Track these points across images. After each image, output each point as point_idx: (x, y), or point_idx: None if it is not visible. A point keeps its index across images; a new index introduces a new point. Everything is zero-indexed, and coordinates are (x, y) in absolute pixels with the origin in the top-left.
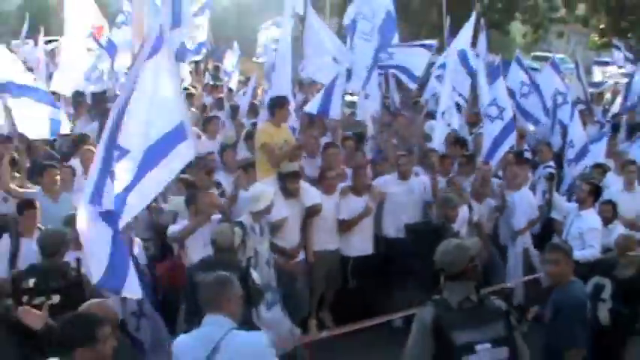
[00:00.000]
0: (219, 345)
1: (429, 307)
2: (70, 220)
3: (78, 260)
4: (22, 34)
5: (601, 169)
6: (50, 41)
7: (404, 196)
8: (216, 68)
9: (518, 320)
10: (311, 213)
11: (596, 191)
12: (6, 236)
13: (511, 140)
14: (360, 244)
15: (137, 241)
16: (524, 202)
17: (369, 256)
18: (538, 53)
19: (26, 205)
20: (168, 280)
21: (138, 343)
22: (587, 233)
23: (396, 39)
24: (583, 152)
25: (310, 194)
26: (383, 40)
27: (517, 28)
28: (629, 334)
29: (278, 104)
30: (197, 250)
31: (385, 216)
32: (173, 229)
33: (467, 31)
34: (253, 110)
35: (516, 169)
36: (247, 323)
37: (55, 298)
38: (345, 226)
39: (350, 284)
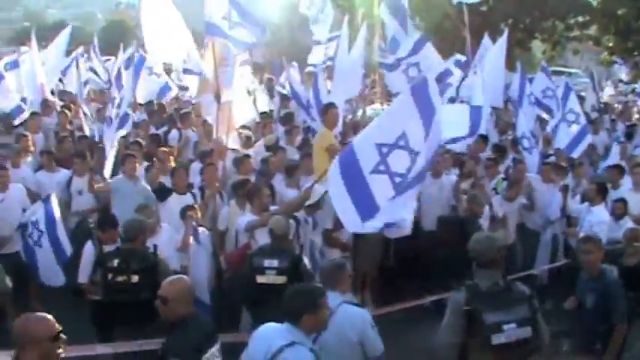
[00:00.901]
0: (333, 312)
1: (462, 290)
2: (142, 208)
3: (155, 246)
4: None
5: (617, 169)
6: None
7: (436, 192)
8: (270, 80)
9: (542, 301)
10: None
11: (603, 189)
12: (89, 244)
13: (587, 139)
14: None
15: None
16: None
17: (408, 243)
18: (555, 68)
19: (107, 223)
20: (237, 266)
21: None
22: (596, 225)
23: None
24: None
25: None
26: None
27: (537, 46)
28: (634, 317)
29: (324, 111)
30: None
31: (421, 210)
32: (243, 220)
33: (499, 47)
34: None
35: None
36: None
37: (134, 278)
38: None
39: (391, 263)
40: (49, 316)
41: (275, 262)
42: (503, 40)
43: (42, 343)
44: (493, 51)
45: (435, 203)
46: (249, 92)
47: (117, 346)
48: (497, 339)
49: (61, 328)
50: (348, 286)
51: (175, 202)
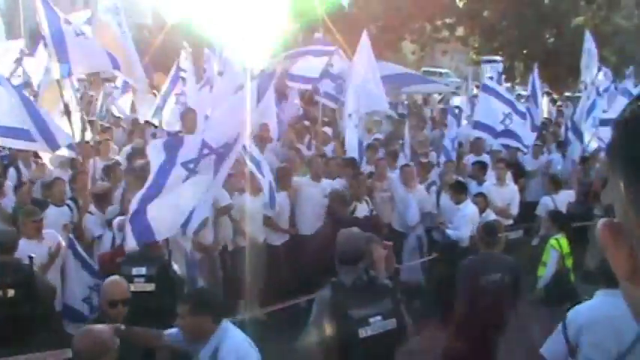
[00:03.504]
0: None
1: (327, 287)
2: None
3: (30, 258)
4: None
5: (480, 165)
6: None
7: (316, 197)
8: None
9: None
10: (224, 211)
11: (460, 189)
12: None
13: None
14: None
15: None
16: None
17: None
18: (426, 69)
19: None
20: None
21: None
22: (459, 219)
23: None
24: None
25: (223, 195)
26: None
27: (407, 47)
28: None
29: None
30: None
31: (299, 214)
32: (115, 220)
33: (365, 51)
34: None
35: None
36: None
37: (10, 292)
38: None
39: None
40: None
41: (143, 270)
42: (365, 44)
43: None
44: (359, 57)
45: (314, 207)
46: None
47: None
48: (364, 332)
49: None
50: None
51: (54, 214)
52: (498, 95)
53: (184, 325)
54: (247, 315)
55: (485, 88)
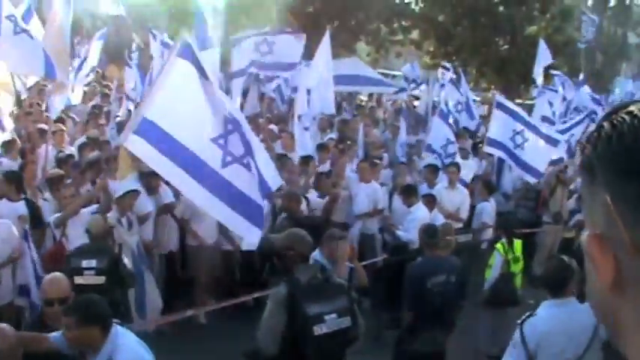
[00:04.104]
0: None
1: (282, 284)
2: None
3: None
4: None
5: (432, 168)
6: None
7: None
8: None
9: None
10: (166, 210)
11: (411, 192)
12: None
13: None
14: None
15: None
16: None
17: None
18: (381, 70)
19: None
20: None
21: None
22: (410, 222)
23: None
24: None
25: (167, 193)
26: None
27: (362, 48)
28: None
29: None
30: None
31: None
32: (52, 217)
33: (324, 51)
34: None
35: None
36: (123, 303)
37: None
38: None
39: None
40: None
41: (93, 262)
42: (326, 44)
43: None
44: (319, 58)
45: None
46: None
47: None
48: (318, 329)
49: None
50: None
51: (5, 208)
52: (512, 113)
53: (72, 338)
54: (191, 314)
55: (499, 105)
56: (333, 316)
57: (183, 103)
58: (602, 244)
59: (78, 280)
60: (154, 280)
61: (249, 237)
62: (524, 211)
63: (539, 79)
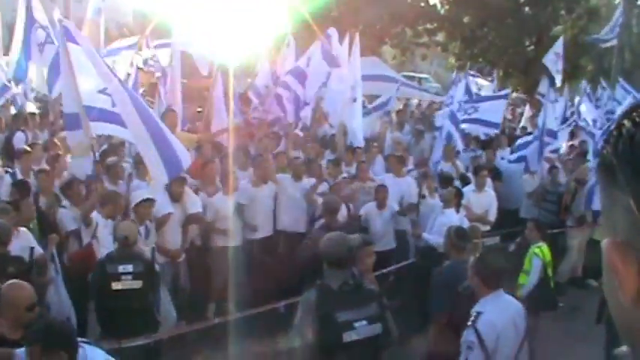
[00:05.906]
0: None
1: (313, 290)
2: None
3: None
4: None
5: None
6: None
7: (298, 197)
8: None
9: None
10: (191, 220)
11: (459, 194)
12: None
13: None
14: None
15: None
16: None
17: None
18: (406, 73)
19: None
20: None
21: None
22: (441, 226)
23: None
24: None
25: (193, 201)
26: None
27: (387, 52)
28: None
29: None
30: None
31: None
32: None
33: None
34: None
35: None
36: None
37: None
38: None
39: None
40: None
41: (130, 267)
42: (356, 50)
43: None
44: (351, 62)
45: (296, 206)
46: None
47: None
48: (348, 336)
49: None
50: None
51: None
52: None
53: None
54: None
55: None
56: (364, 322)
57: (94, 78)
58: (625, 252)
59: (116, 285)
60: (166, 290)
61: (159, 175)
62: (546, 213)
63: (558, 78)
